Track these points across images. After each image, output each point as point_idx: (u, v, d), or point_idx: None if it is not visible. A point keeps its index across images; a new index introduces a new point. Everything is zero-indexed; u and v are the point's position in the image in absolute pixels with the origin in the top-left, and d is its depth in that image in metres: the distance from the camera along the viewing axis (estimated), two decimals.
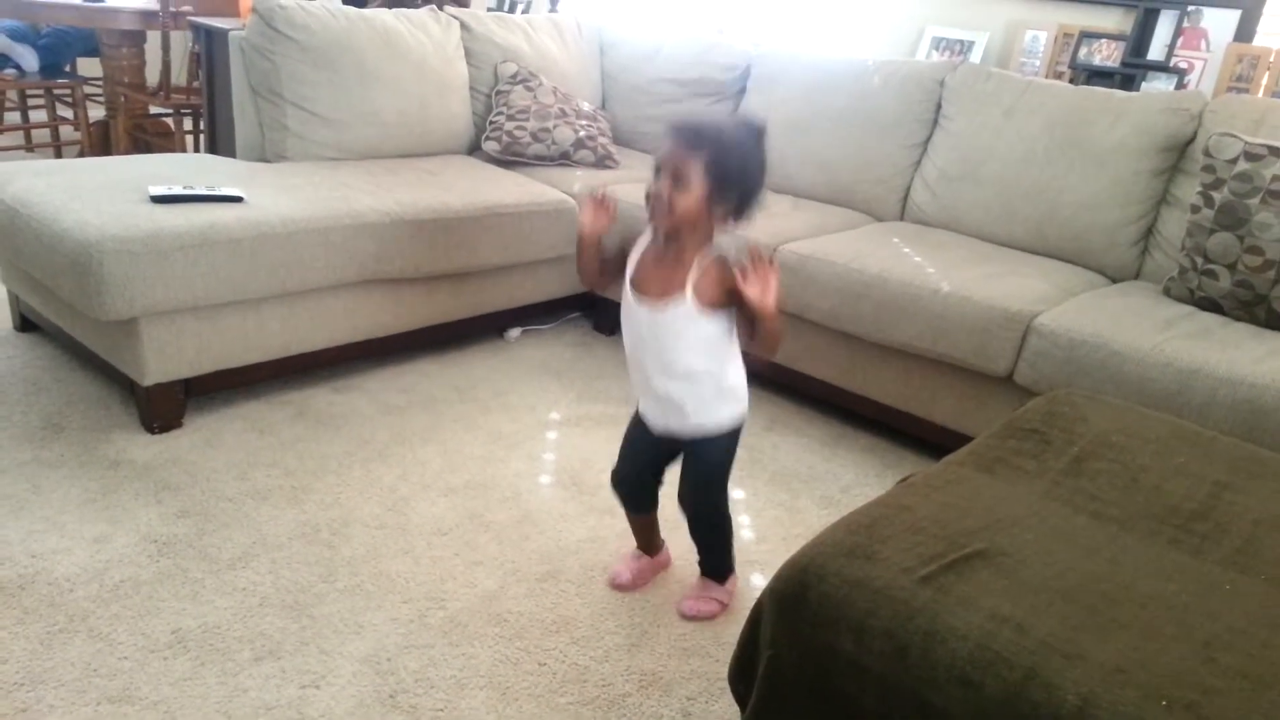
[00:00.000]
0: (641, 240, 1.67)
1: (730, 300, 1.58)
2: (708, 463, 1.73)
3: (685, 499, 1.78)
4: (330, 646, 1.62)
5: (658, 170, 1.56)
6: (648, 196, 1.57)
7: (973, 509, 1.34)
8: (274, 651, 1.59)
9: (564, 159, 3.23)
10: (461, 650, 1.65)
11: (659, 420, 1.72)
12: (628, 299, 1.65)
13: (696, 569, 1.89)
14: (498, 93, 3.28)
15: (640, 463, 1.80)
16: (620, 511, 2.11)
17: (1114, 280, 2.69)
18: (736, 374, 1.68)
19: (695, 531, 1.83)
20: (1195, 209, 2.36)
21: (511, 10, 4.57)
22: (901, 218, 3.10)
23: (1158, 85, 3.11)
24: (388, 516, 2.00)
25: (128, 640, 1.58)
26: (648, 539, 1.92)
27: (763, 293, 1.52)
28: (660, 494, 1.84)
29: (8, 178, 2.29)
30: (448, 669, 1.60)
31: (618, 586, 1.88)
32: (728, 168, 1.53)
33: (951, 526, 1.28)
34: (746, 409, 1.71)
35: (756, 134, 1.59)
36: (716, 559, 1.86)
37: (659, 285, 1.60)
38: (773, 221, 2.80)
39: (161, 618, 1.64)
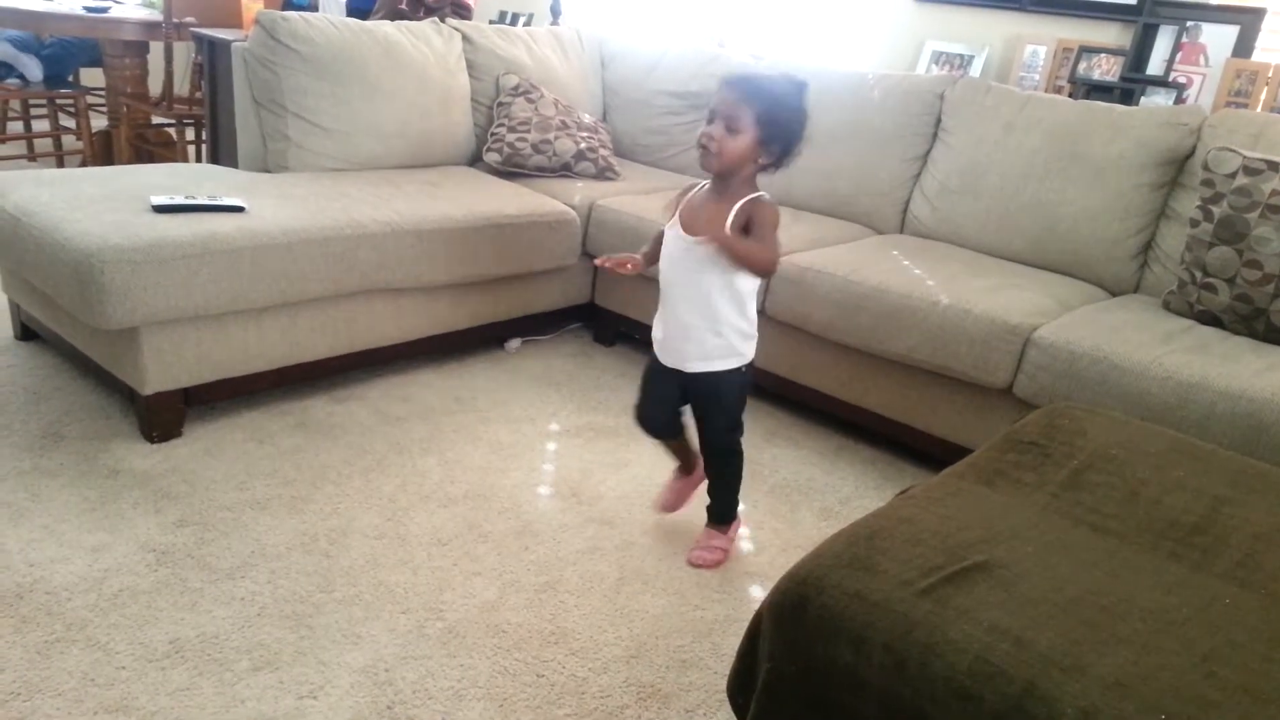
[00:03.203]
0: (695, 188, 1.88)
1: (746, 229, 1.78)
2: (718, 397, 1.92)
3: (701, 435, 1.98)
4: (328, 657, 1.61)
5: (712, 116, 1.74)
6: (700, 138, 1.75)
7: (972, 522, 1.33)
8: (272, 662, 1.59)
9: (565, 170, 3.24)
10: (459, 661, 1.64)
11: (673, 354, 1.91)
12: (672, 232, 1.85)
13: (711, 577, 1.89)
14: (499, 104, 3.29)
15: (656, 398, 1.99)
16: (620, 523, 2.12)
17: (1113, 294, 2.69)
18: (750, 323, 1.88)
19: (709, 465, 2.01)
20: (1194, 223, 2.37)
21: (513, 23, 4.59)
22: (901, 230, 3.11)
23: (1157, 100, 3.12)
24: (386, 526, 2.00)
25: (125, 650, 1.58)
26: (682, 456, 2.10)
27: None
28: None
29: (10, 187, 2.30)
30: (445, 680, 1.60)
31: (664, 509, 2.12)
32: (776, 119, 1.73)
33: (951, 539, 1.28)
34: (754, 347, 1.91)
35: (801, 91, 1.79)
36: (725, 497, 2.02)
37: (702, 223, 1.79)
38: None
39: (159, 627, 1.63)
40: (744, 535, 2.13)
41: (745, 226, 1.78)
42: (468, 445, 2.39)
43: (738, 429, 1.96)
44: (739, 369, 1.89)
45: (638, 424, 2.04)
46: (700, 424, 1.97)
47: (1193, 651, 1.10)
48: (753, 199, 1.78)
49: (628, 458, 2.41)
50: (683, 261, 1.83)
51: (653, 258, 1.95)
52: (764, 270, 1.79)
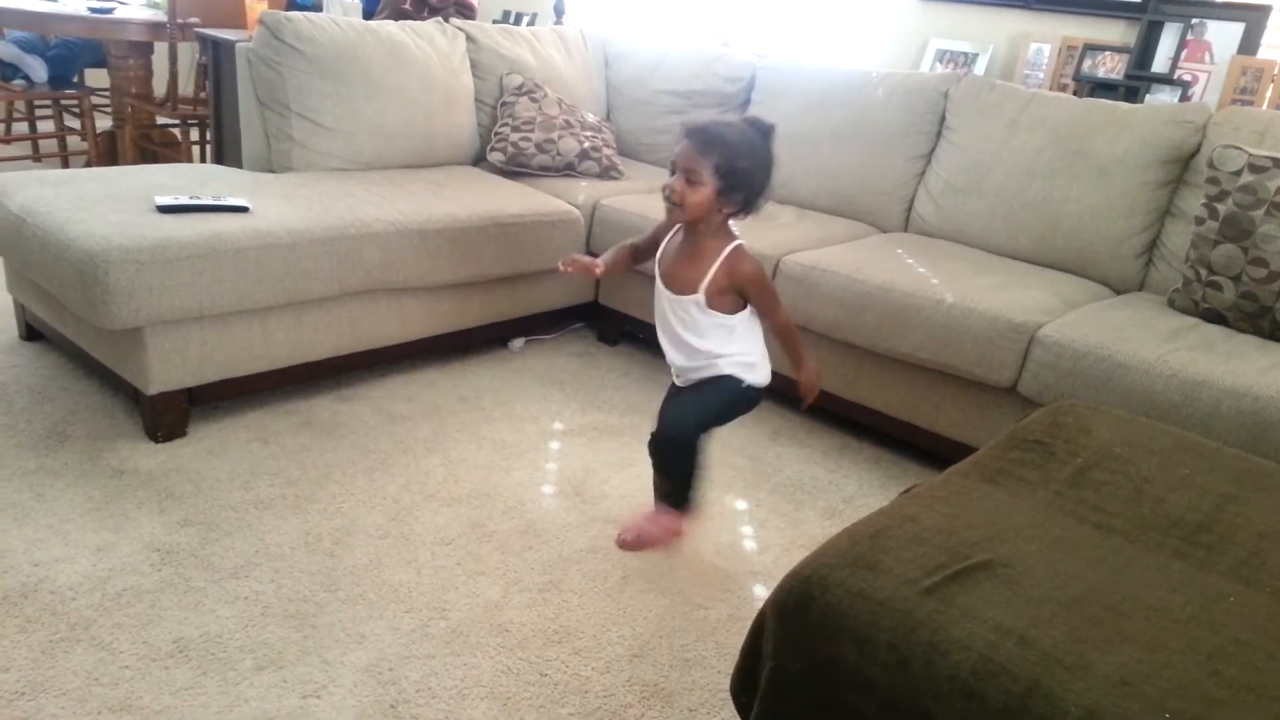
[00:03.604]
0: (672, 230, 1.87)
1: (741, 294, 1.81)
2: (702, 393, 1.88)
3: (660, 418, 1.91)
4: (332, 656, 1.62)
5: (673, 168, 1.74)
6: (663, 191, 1.75)
7: (976, 520, 1.33)
8: (275, 661, 1.59)
9: (569, 170, 3.24)
10: (463, 660, 1.64)
11: (683, 377, 1.93)
12: (657, 283, 1.86)
13: (704, 567, 1.89)
14: (503, 104, 3.29)
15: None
16: (623, 522, 2.11)
17: (1118, 292, 2.68)
18: (756, 353, 1.87)
19: (661, 455, 1.94)
20: (1199, 221, 2.36)
21: (517, 22, 4.59)
22: (905, 229, 3.11)
23: (1162, 98, 3.11)
24: (390, 526, 2.00)
25: (129, 649, 1.58)
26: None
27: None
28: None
29: (15, 188, 2.30)
30: (449, 679, 1.60)
31: (622, 545, 2.01)
32: (735, 169, 1.71)
33: (955, 537, 1.28)
34: (765, 380, 1.89)
35: (765, 134, 1.76)
36: (675, 488, 1.95)
37: (680, 276, 1.81)
38: (777, 232, 2.81)
39: (163, 627, 1.64)
40: (747, 534, 2.13)
41: (729, 286, 1.78)
42: (472, 445, 2.39)
43: (701, 427, 1.87)
44: (741, 380, 1.85)
45: (650, 448, 1.96)
46: (670, 407, 1.92)
47: (1197, 649, 1.10)
48: (732, 254, 1.78)
49: (631, 457, 2.41)
50: (673, 317, 1.84)
51: (616, 266, 1.95)
52: (787, 324, 1.86)
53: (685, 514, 1.98)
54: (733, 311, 1.81)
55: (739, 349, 1.84)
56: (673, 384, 1.98)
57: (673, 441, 1.90)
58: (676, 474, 1.94)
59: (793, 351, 1.91)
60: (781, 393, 2.76)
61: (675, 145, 1.75)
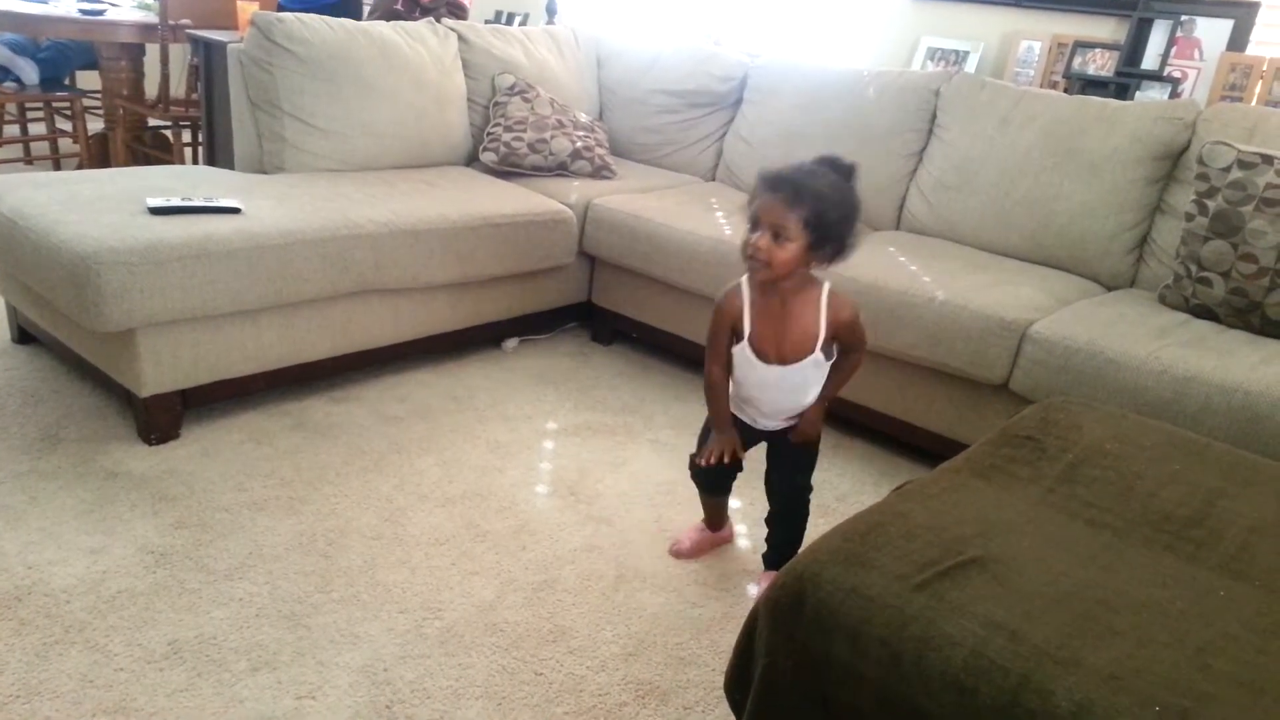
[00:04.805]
0: (742, 296, 1.72)
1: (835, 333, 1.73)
2: (804, 451, 1.84)
3: (777, 486, 1.88)
4: (326, 657, 1.62)
5: (754, 223, 1.61)
6: (744, 248, 1.63)
7: (968, 516, 1.34)
8: (270, 662, 1.59)
9: (561, 170, 3.24)
10: (458, 660, 1.64)
11: (759, 423, 1.83)
12: (748, 360, 1.72)
13: (698, 565, 1.89)
14: (495, 104, 3.29)
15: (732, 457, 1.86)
16: (617, 521, 2.12)
17: (1109, 288, 2.69)
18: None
19: (782, 518, 1.91)
20: (1190, 217, 2.37)
21: (509, 22, 4.59)
22: (897, 227, 3.11)
23: (1152, 94, 3.12)
24: (384, 527, 2.00)
25: (124, 651, 1.58)
26: (717, 516, 2.02)
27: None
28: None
29: (6, 190, 2.30)
30: (444, 679, 1.60)
31: (676, 553, 2.00)
32: (827, 221, 1.59)
33: (946, 534, 1.28)
34: None
35: (848, 177, 1.66)
36: (792, 539, 1.90)
37: (783, 344, 1.70)
38: None
39: (158, 629, 1.64)
40: (741, 532, 2.14)
41: (835, 334, 1.71)
42: (465, 444, 2.39)
43: (809, 486, 1.90)
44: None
45: (693, 475, 1.93)
46: (775, 470, 1.88)
47: (1187, 644, 1.11)
48: (833, 301, 1.69)
49: (625, 456, 2.42)
50: (781, 387, 1.74)
51: (728, 402, 1.81)
52: (860, 363, 1.80)
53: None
54: (831, 355, 1.75)
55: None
56: (739, 422, 1.84)
57: (797, 503, 1.89)
58: (799, 523, 1.91)
59: (838, 386, 1.80)
60: None
61: (752, 199, 1.63)
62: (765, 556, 1.96)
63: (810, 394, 1.78)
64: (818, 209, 1.58)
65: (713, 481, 1.92)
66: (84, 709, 1.45)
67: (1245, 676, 1.06)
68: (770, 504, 1.92)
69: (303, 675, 1.57)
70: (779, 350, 1.71)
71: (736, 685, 1.33)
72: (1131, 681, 1.03)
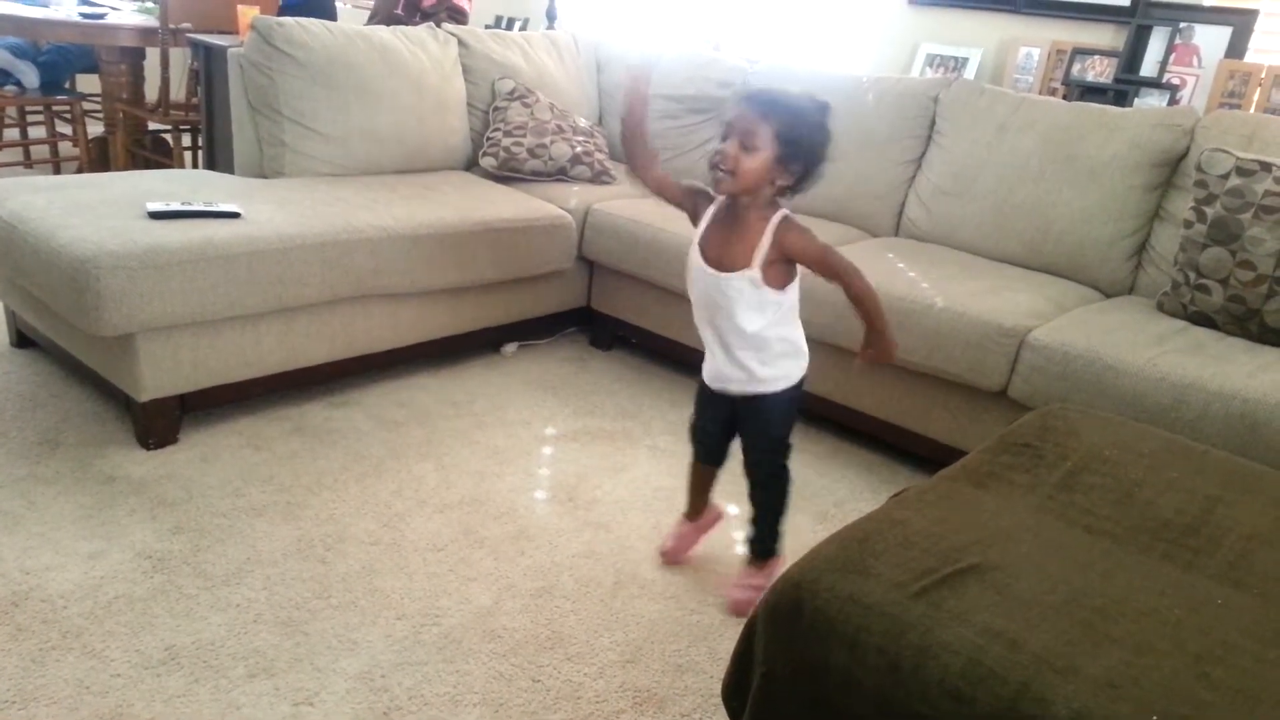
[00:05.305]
0: (709, 208, 1.74)
1: (791, 263, 1.69)
2: (767, 419, 1.81)
3: (747, 457, 1.86)
4: (324, 663, 1.61)
5: (726, 132, 1.62)
6: (713, 157, 1.63)
7: (966, 524, 1.34)
8: (268, 668, 1.59)
9: (561, 174, 3.24)
10: (455, 667, 1.64)
11: (716, 380, 1.81)
12: (696, 264, 1.72)
13: (696, 572, 1.89)
14: (495, 109, 3.29)
15: (708, 415, 1.89)
16: (617, 527, 2.12)
17: (1107, 295, 2.69)
18: (797, 333, 1.78)
19: (752, 494, 1.88)
20: (1188, 224, 2.38)
21: (509, 27, 4.60)
22: (896, 233, 3.12)
23: (1150, 101, 3.12)
24: (383, 532, 2.00)
25: (121, 657, 1.58)
26: (700, 494, 1.99)
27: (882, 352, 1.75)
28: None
29: (6, 194, 2.30)
30: (441, 686, 1.60)
31: (664, 555, 2.00)
32: (797, 138, 1.61)
33: (945, 541, 1.28)
34: (805, 364, 1.80)
35: (824, 110, 1.67)
36: (767, 528, 1.89)
37: (725, 253, 1.68)
38: None
39: (155, 634, 1.63)
40: (739, 539, 2.13)
41: (780, 257, 1.66)
42: (464, 450, 2.39)
43: (782, 450, 1.84)
44: (781, 391, 1.77)
45: (692, 440, 1.93)
46: (744, 445, 1.86)
47: (1185, 652, 1.11)
48: (782, 223, 1.66)
49: (624, 462, 2.42)
50: (718, 299, 1.70)
51: (643, 122, 1.77)
52: (866, 289, 1.70)
53: (774, 558, 1.90)
54: (783, 287, 1.69)
55: (789, 332, 1.75)
56: (703, 385, 1.85)
57: (764, 476, 1.84)
58: (772, 508, 1.87)
59: (871, 317, 1.72)
60: None
61: (727, 110, 1.62)
62: (749, 545, 1.92)
63: (744, 320, 1.69)
64: (790, 123, 1.60)
65: (706, 441, 1.90)
66: (80, 715, 1.45)
67: (1243, 685, 1.06)
68: (747, 479, 1.88)
69: (300, 681, 1.57)
70: (719, 257, 1.69)
71: (734, 693, 1.33)
72: (1130, 690, 1.03)
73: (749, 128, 1.59)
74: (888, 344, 1.75)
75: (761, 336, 1.71)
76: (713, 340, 1.78)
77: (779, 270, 1.68)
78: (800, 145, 1.61)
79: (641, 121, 1.78)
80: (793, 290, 1.73)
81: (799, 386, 1.80)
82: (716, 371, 1.80)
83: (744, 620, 1.51)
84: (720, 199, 1.73)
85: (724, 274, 1.68)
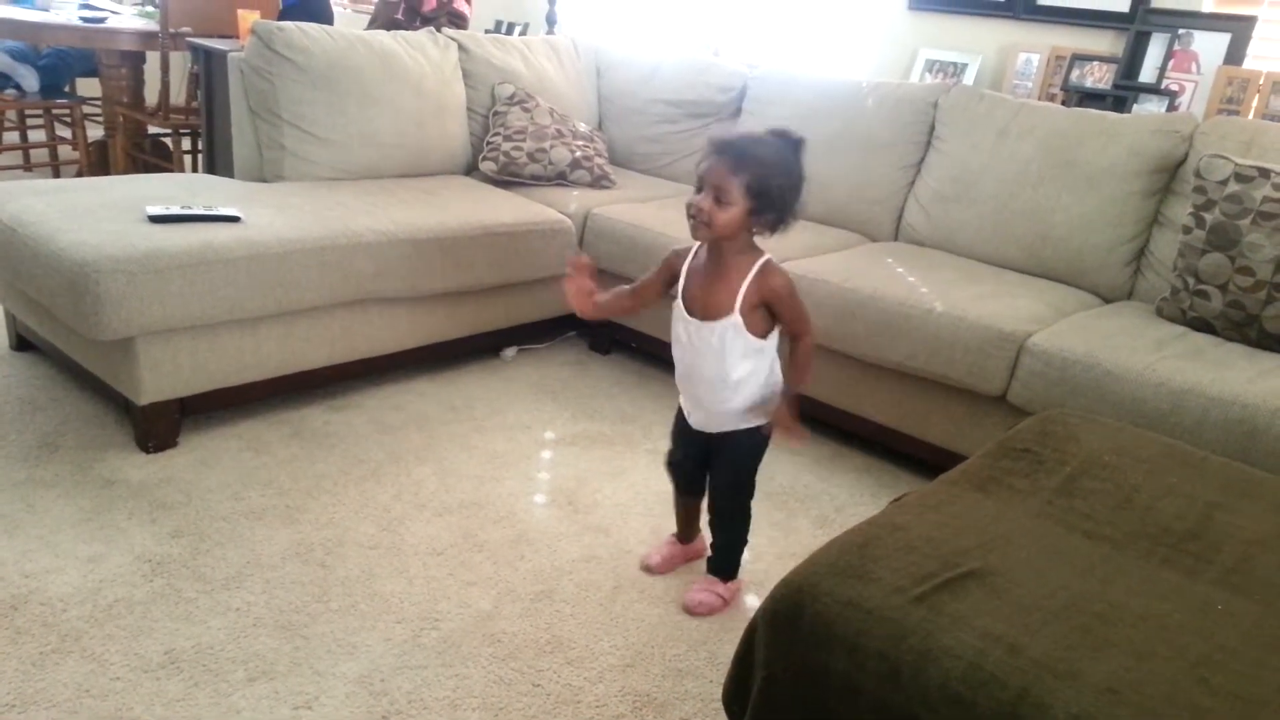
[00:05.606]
0: (689, 255, 1.77)
1: (771, 314, 1.72)
2: (735, 456, 1.84)
3: (710, 490, 1.89)
4: (323, 667, 1.61)
5: (700, 185, 1.65)
6: (689, 209, 1.66)
7: (966, 528, 1.34)
8: (267, 672, 1.59)
9: (560, 179, 3.25)
10: (455, 671, 1.64)
11: (696, 419, 1.84)
12: (679, 313, 1.76)
13: (696, 577, 1.89)
14: (495, 114, 3.30)
15: (685, 449, 1.90)
16: (616, 531, 2.12)
17: (1107, 300, 2.70)
18: (776, 378, 1.80)
19: (714, 523, 1.91)
20: (1187, 230, 2.38)
21: (509, 32, 4.60)
22: (896, 238, 3.12)
23: (1149, 107, 3.13)
24: (382, 536, 2.00)
25: (120, 661, 1.57)
26: (687, 524, 2.01)
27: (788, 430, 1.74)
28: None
29: (6, 197, 2.30)
30: (441, 690, 1.60)
31: (646, 569, 1.99)
32: (768, 186, 1.63)
33: (944, 546, 1.28)
34: (775, 407, 1.78)
35: (796, 149, 1.69)
36: (725, 556, 1.92)
37: (709, 298, 1.72)
38: (766, 241, 2.81)
39: (155, 638, 1.63)
40: None
41: (760, 301, 1.69)
42: (463, 454, 2.39)
43: (744, 491, 1.86)
44: (754, 429, 1.79)
45: (667, 468, 1.96)
46: (711, 479, 1.89)
47: (1185, 657, 1.11)
48: (761, 270, 1.69)
49: (623, 466, 2.42)
50: (699, 347, 1.73)
51: (613, 308, 1.84)
52: (811, 351, 1.76)
53: (736, 581, 1.94)
54: (764, 334, 1.73)
55: (768, 378, 1.77)
56: (681, 419, 1.88)
57: (726, 511, 1.88)
58: (731, 538, 1.90)
59: (802, 373, 1.77)
60: None
61: (701, 161, 1.65)
62: (709, 560, 1.95)
63: (729, 366, 1.72)
64: (760, 175, 1.62)
65: (680, 473, 1.93)
66: (80, 718, 1.45)
67: (1243, 690, 1.06)
68: (708, 510, 1.92)
69: (300, 685, 1.57)
70: (703, 305, 1.72)
71: (735, 697, 1.33)
72: (1129, 695, 1.03)
73: (720, 183, 1.62)
74: (796, 412, 1.75)
75: (745, 383, 1.74)
76: (695, 394, 1.81)
77: (760, 318, 1.72)
78: (772, 196, 1.64)
79: (622, 302, 1.84)
80: (773, 338, 1.76)
81: (765, 430, 1.79)
82: (699, 417, 1.83)
83: (734, 621, 1.52)
84: (697, 249, 1.76)
85: (708, 322, 1.71)
